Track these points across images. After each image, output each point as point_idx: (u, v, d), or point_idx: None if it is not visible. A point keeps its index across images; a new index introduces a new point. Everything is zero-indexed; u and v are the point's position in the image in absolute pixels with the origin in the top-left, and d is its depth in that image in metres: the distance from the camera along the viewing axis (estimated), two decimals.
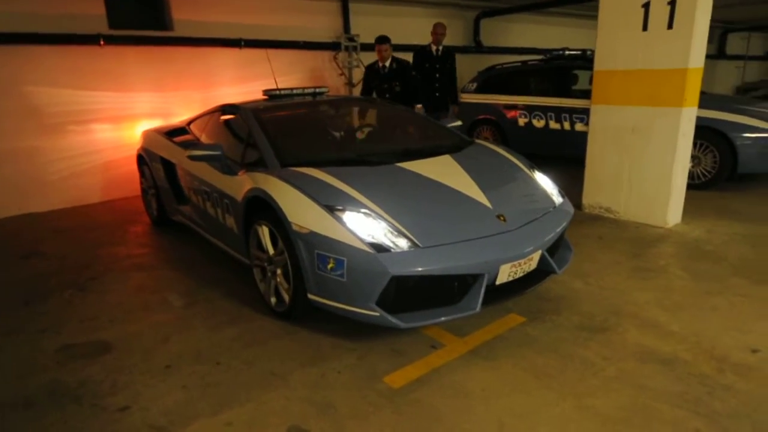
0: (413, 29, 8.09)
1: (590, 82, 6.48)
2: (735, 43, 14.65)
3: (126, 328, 2.95)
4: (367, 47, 7.46)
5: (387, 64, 5.65)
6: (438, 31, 6.03)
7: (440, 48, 6.10)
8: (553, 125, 6.55)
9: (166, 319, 3.05)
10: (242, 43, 6.49)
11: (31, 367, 2.59)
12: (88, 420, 2.19)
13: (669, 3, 4.02)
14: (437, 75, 6.12)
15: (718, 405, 2.14)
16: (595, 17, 4.48)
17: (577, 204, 4.74)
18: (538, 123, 6.70)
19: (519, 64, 7.26)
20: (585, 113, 6.07)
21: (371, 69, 5.83)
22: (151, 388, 2.38)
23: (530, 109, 6.76)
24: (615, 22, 4.37)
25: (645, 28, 4.19)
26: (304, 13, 7.05)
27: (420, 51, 6.16)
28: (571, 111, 6.33)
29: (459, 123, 4.15)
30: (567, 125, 6.41)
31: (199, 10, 6.21)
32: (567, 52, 6.81)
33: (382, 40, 5.58)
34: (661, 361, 2.45)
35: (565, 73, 6.70)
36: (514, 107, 6.90)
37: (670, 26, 4.05)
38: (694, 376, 2.33)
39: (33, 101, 5.34)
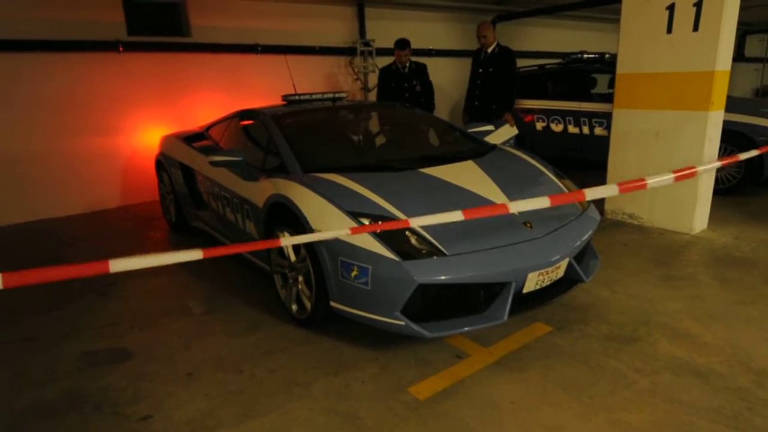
0: (429, 34, 8.07)
1: (609, 85, 6.46)
2: (753, 46, 14.41)
3: (147, 335, 2.93)
4: (382, 52, 7.45)
5: (407, 64, 5.65)
6: (481, 32, 5.23)
7: (488, 50, 5.26)
8: (572, 129, 6.46)
9: (186, 325, 3.03)
10: (259, 49, 6.50)
11: (52, 374, 2.58)
12: (110, 428, 2.17)
13: (695, 5, 3.93)
14: (478, 81, 5.37)
15: (759, 421, 2.05)
16: (613, 20, 4.42)
17: (600, 210, 4.64)
18: (557, 127, 6.62)
19: (536, 67, 7.19)
20: (604, 117, 5.99)
21: (387, 70, 5.77)
22: (174, 396, 2.36)
23: (548, 113, 6.68)
24: (638, 25, 4.29)
25: (669, 30, 4.11)
26: (319, 18, 7.05)
27: (474, 54, 5.54)
28: (591, 115, 6.24)
29: (515, 133, 4.03)
30: (586, 129, 6.32)
31: (216, 16, 6.23)
32: (585, 56, 6.73)
33: (403, 44, 5.55)
34: (695, 374, 2.37)
35: (584, 76, 6.62)
36: (531, 111, 6.83)
37: (695, 28, 3.96)
38: (732, 389, 2.25)
39: (51, 106, 5.39)
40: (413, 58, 5.79)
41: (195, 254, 1.86)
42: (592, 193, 2.49)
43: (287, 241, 2.33)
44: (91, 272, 1.69)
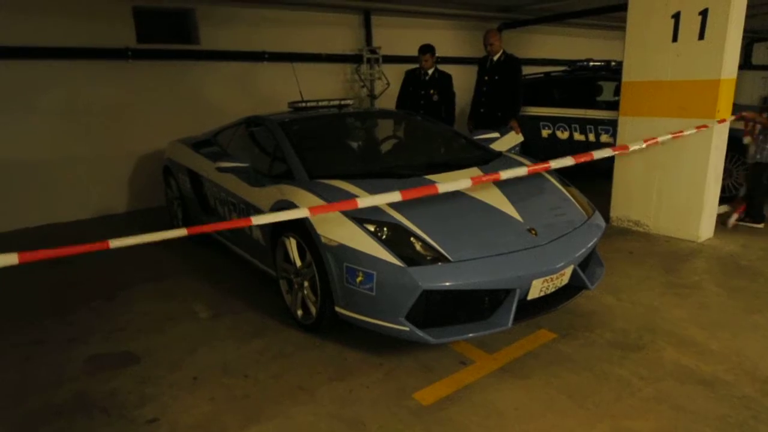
0: (434, 41, 8.07)
1: (615, 93, 6.46)
2: (761, 53, 14.35)
3: (153, 339, 2.95)
4: (388, 59, 7.49)
5: (430, 72, 5.56)
6: (488, 40, 5.30)
7: (494, 58, 5.33)
8: (578, 137, 6.46)
9: (192, 329, 3.05)
10: (266, 56, 6.57)
11: (59, 377, 2.60)
12: (117, 431, 2.19)
13: (700, 13, 3.95)
14: (484, 88, 5.42)
15: (765, 430, 2.05)
16: (619, 28, 4.43)
17: (605, 217, 4.64)
18: (562, 134, 6.62)
19: (542, 75, 7.20)
20: (610, 124, 5.99)
21: (411, 74, 5.67)
22: (179, 400, 2.37)
23: (554, 121, 6.69)
24: (643, 33, 4.30)
25: (675, 38, 4.12)
26: (326, 26, 7.11)
27: (480, 61, 5.60)
28: (596, 122, 6.24)
29: (520, 140, 4.04)
30: (592, 137, 6.31)
31: (225, 23, 6.30)
32: (591, 63, 6.75)
33: (425, 50, 5.46)
34: (701, 382, 2.36)
35: (589, 84, 6.62)
36: (537, 118, 6.83)
37: (701, 37, 3.97)
38: (738, 398, 2.24)
39: (59, 112, 5.44)
40: (440, 67, 5.64)
41: (180, 232, 2.22)
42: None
43: (258, 219, 2.38)
44: (93, 249, 2.12)
